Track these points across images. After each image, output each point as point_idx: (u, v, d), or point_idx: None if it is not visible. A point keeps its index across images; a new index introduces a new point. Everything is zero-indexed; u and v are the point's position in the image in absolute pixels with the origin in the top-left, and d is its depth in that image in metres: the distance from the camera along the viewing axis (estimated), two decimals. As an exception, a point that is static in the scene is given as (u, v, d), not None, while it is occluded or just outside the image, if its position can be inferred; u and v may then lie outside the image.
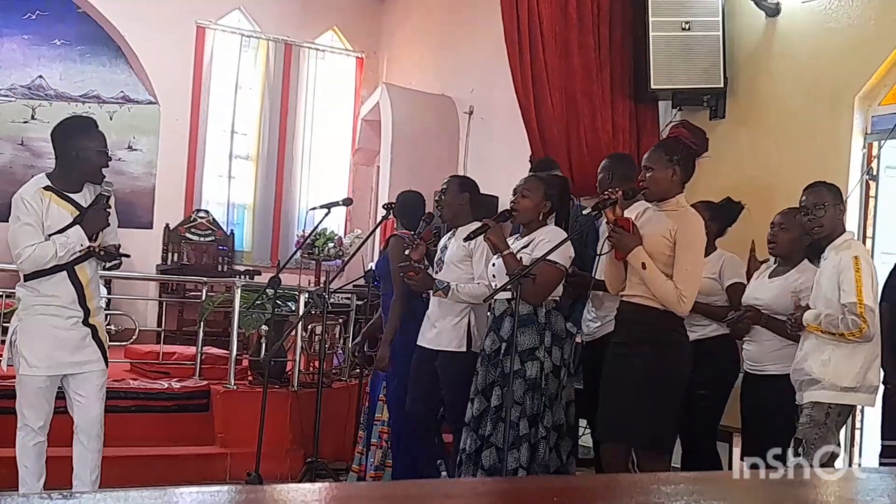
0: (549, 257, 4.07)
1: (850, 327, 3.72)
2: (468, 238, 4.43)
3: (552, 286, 4.24)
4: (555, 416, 4.22)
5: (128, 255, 4.22)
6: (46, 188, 3.98)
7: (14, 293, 7.26)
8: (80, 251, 3.96)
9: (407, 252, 4.81)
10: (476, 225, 4.76)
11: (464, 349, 4.63)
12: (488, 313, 4.63)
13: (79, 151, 4.00)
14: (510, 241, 4.38)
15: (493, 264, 4.37)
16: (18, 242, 3.93)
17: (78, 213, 3.99)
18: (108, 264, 4.16)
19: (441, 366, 4.69)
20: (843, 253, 3.82)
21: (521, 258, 4.20)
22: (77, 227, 3.95)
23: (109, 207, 4.07)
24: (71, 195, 4.02)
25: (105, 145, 4.08)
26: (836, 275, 3.79)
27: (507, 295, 4.16)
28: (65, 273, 3.99)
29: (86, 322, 4.07)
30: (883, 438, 4.24)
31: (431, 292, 4.66)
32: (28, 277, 4.01)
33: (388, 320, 5.03)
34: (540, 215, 4.36)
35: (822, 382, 3.79)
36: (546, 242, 4.16)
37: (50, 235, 3.92)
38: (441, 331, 4.68)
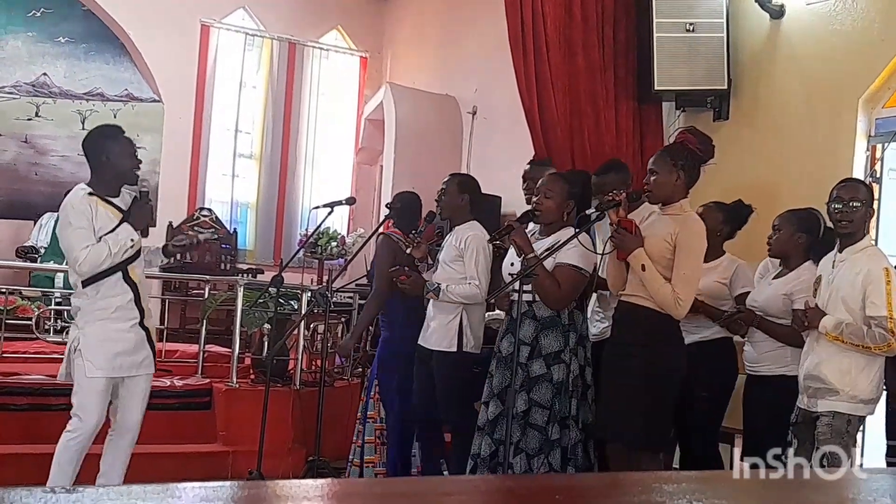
0: (573, 263, 4.07)
1: (877, 341, 3.67)
2: (493, 239, 4.40)
3: (576, 292, 4.20)
4: (584, 416, 4.18)
5: (146, 191, 4.29)
6: (90, 194, 4.10)
7: (18, 290, 7.34)
8: (131, 246, 4.07)
9: (409, 251, 4.82)
10: (475, 224, 4.77)
11: (454, 349, 4.63)
12: (492, 315, 4.63)
13: (108, 155, 4.14)
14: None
15: (512, 264, 4.29)
16: (74, 246, 4.03)
17: (122, 215, 4.13)
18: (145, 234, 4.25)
19: (435, 365, 4.70)
20: (872, 262, 3.75)
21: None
22: (125, 225, 4.09)
23: (150, 202, 4.21)
24: (112, 199, 4.15)
25: (133, 149, 4.22)
26: (863, 283, 3.72)
27: (528, 297, 4.11)
28: (119, 274, 4.11)
29: (141, 324, 4.20)
30: (888, 438, 4.24)
31: (423, 294, 4.67)
32: (85, 283, 4.09)
33: (361, 315, 5.07)
34: (563, 215, 4.26)
35: (841, 394, 3.74)
36: (571, 247, 4.05)
37: (101, 237, 4.03)
38: (434, 330, 4.71)
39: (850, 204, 3.82)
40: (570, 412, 4.12)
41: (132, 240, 4.07)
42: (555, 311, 4.16)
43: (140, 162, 4.24)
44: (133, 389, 4.23)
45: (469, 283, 4.59)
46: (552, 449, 4.06)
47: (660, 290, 3.80)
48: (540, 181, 4.37)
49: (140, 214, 4.14)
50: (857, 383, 3.75)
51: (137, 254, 4.17)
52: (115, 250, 4.01)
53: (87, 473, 4.14)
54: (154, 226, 4.26)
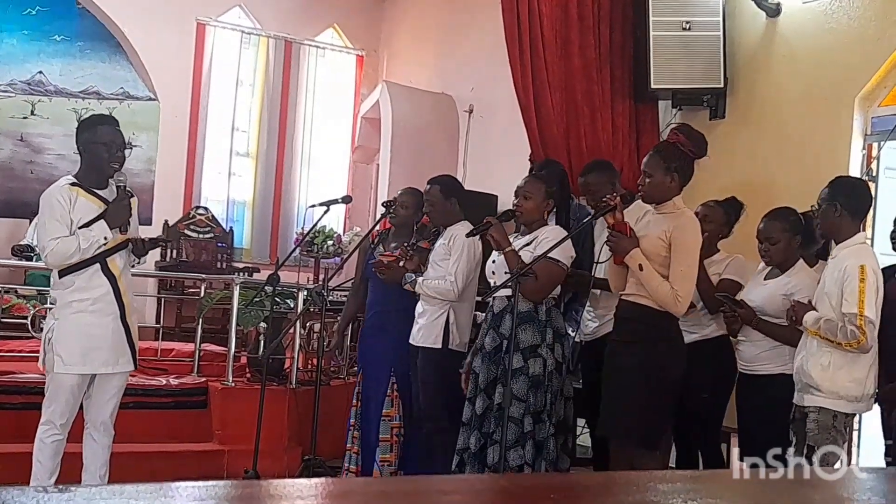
0: (550, 255, 4.09)
1: (847, 337, 3.70)
2: (471, 234, 4.46)
3: (553, 284, 4.26)
4: (558, 413, 4.25)
5: (169, 241, 4.30)
6: (73, 184, 4.06)
7: (14, 289, 7.32)
8: (104, 244, 4.01)
9: (402, 264, 4.84)
10: (466, 224, 4.78)
11: (439, 346, 4.65)
12: (483, 311, 4.63)
13: (85, 145, 4.10)
14: (511, 238, 4.39)
15: (494, 261, 4.37)
16: (43, 237, 4.01)
17: (106, 206, 4.07)
18: (140, 259, 4.28)
19: (420, 362, 4.72)
20: (851, 259, 3.78)
21: (522, 256, 4.22)
22: (101, 222, 4.02)
23: (129, 195, 4.13)
24: (97, 191, 4.10)
25: (110, 137, 4.12)
26: (842, 279, 3.76)
27: (507, 292, 4.18)
28: (97, 265, 4.05)
29: (122, 319, 4.12)
30: (886, 437, 4.24)
31: (401, 284, 4.75)
32: (62, 274, 4.04)
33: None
34: (544, 214, 4.39)
35: (823, 390, 3.77)
36: (549, 241, 4.17)
37: (79, 228, 3.99)
38: (421, 327, 4.74)
39: (821, 205, 3.90)
40: (545, 406, 4.17)
41: (105, 238, 4.00)
42: (532, 306, 4.22)
43: (120, 152, 4.14)
44: (106, 386, 4.15)
45: (445, 279, 4.62)
46: (526, 441, 4.11)
47: (658, 289, 3.83)
48: (519, 183, 4.46)
49: (116, 211, 4.06)
50: (837, 380, 3.76)
51: (119, 246, 4.10)
52: (84, 246, 3.95)
53: (74, 471, 4.13)
54: (127, 221, 4.14)
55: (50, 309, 4.24)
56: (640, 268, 3.83)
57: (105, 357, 4.09)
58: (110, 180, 4.13)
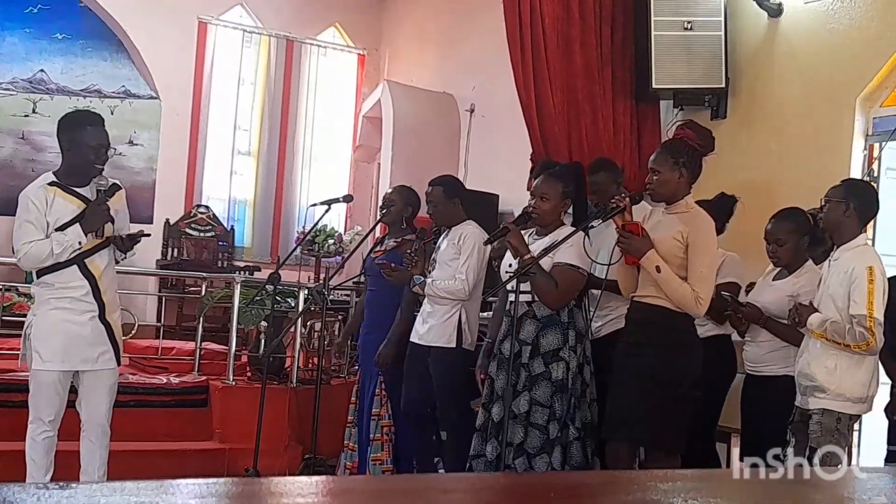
0: (571, 262, 4.05)
1: (857, 339, 3.68)
2: (488, 242, 4.39)
3: (574, 291, 4.19)
4: (583, 415, 4.17)
5: (148, 235, 4.29)
6: (51, 184, 4.03)
7: (14, 287, 7.32)
8: (79, 249, 3.99)
9: (408, 269, 4.83)
10: (471, 224, 4.78)
11: (453, 345, 4.64)
12: (488, 311, 4.63)
13: (70, 144, 4.05)
14: (526, 237, 4.31)
15: (511, 264, 4.28)
16: (17, 239, 4.00)
17: (85, 206, 4.03)
18: (126, 254, 4.22)
19: (432, 362, 4.70)
20: (857, 260, 3.76)
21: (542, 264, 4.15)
22: (76, 226, 3.99)
23: (107, 199, 4.06)
24: (77, 189, 4.06)
25: (98, 139, 4.07)
26: (848, 282, 3.73)
27: (528, 297, 4.11)
28: (75, 266, 4.02)
29: (102, 318, 4.09)
30: (889, 443, 4.24)
31: (409, 287, 4.73)
32: (40, 274, 4.04)
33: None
34: (560, 215, 4.29)
35: (828, 392, 3.75)
36: (568, 246, 4.05)
37: (57, 230, 3.97)
38: (432, 327, 4.71)
39: (829, 201, 3.87)
40: (570, 411, 4.11)
41: (80, 243, 3.97)
42: (554, 310, 4.15)
43: (105, 153, 4.10)
44: (94, 384, 4.12)
45: (455, 278, 4.61)
46: (553, 448, 4.04)
47: (677, 290, 3.75)
48: (535, 184, 4.38)
49: (92, 215, 4.01)
50: (843, 382, 3.75)
51: (99, 246, 4.07)
52: (57, 251, 3.94)
53: (71, 470, 4.12)
54: (108, 221, 4.10)
55: (30, 305, 4.26)
56: (658, 269, 3.75)
57: (84, 354, 4.07)
58: (92, 179, 4.08)
